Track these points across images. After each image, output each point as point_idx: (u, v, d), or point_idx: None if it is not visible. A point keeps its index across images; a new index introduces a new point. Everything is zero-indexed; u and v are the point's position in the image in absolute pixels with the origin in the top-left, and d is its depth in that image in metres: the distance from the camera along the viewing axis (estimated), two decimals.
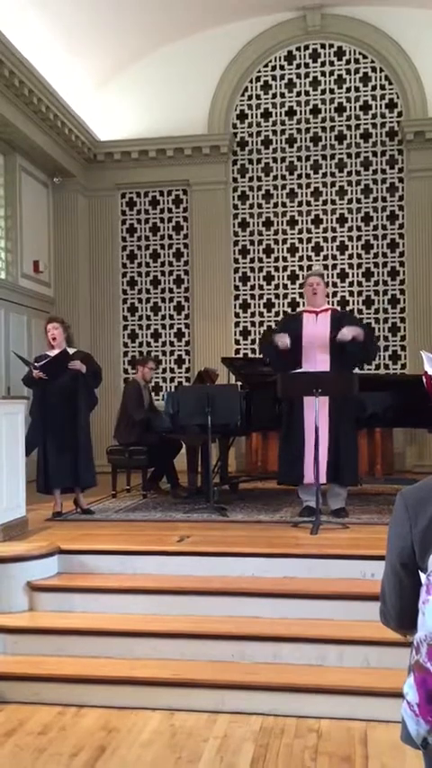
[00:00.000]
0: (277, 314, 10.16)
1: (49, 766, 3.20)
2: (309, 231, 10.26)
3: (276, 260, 10.34)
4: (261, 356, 7.12)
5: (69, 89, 9.46)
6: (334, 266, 10.17)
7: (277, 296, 10.32)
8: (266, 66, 10.37)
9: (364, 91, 10.16)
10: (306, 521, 5.59)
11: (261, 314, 10.30)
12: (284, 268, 10.32)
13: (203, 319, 10.28)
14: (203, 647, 4.05)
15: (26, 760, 3.25)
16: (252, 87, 10.40)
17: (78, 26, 8.93)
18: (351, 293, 10.13)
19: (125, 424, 7.48)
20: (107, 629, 4.24)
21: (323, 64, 10.25)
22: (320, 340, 5.87)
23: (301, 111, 10.27)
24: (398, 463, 9.46)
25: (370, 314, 10.00)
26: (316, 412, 5.41)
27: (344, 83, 10.20)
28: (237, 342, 10.41)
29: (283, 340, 5.83)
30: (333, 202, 10.21)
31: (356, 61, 10.17)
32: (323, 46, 10.23)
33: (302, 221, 10.26)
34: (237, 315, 10.44)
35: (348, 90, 10.18)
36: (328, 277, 9.84)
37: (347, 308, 9.82)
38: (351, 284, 10.14)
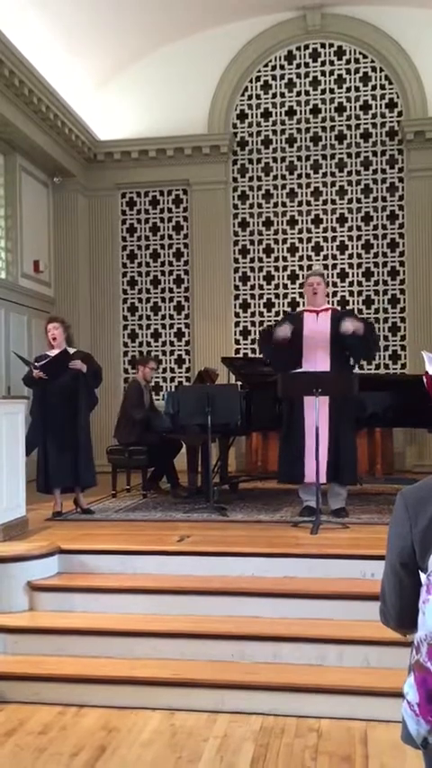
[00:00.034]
0: (277, 314, 10.16)
1: (49, 766, 3.20)
2: (309, 231, 10.26)
3: (276, 260, 10.34)
4: (261, 355, 7.13)
5: (69, 89, 9.46)
6: (334, 266, 10.17)
7: (277, 296, 10.32)
8: (266, 65, 10.37)
9: (365, 91, 10.16)
10: (306, 520, 5.60)
11: (261, 314, 10.30)
12: (284, 268, 10.32)
13: (203, 319, 10.28)
14: (203, 647, 4.06)
15: (26, 760, 3.25)
16: (252, 87, 10.40)
17: (78, 26, 8.93)
18: (351, 293, 10.13)
19: (125, 424, 7.48)
20: (107, 628, 4.24)
21: (323, 63, 10.25)
22: (321, 340, 5.87)
23: (301, 111, 10.27)
24: (398, 463, 9.46)
25: (370, 314, 9.99)
26: (316, 412, 5.41)
27: (344, 82, 10.20)
28: (237, 342, 10.41)
29: (284, 330, 5.84)
30: (333, 202, 10.21)
31: (356, 61, 10.17)
32: (323, 45, 10.23)
33: (302, 221, 10.26)
34: (237, 315, 10.44)
35: (348, 90, 10.18)
36: (328, 277, 9.83)
37: (347, 308, 9.81)
38: (351, 284, 10.14)
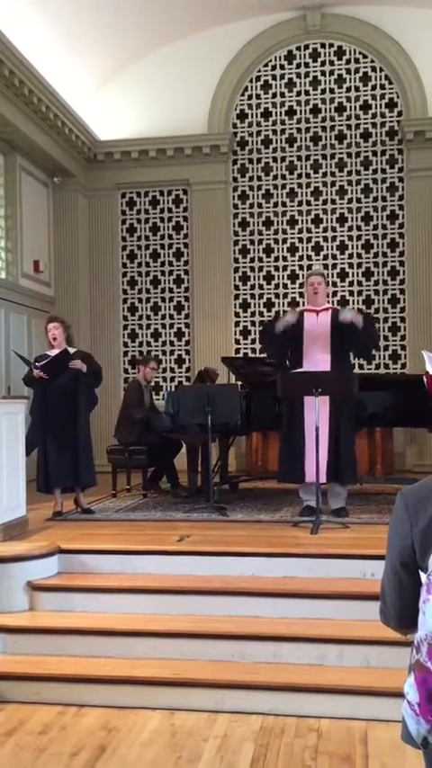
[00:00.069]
0: (277, 314, 10.15)
1: (49, 766, 3.20)
2: (309, 231, 10.26)
3: (276, 259, 10.34)
4: (261, 343, 7.15)
5: (69, 89, 9.46)
6: (334, 266, 10.17)
7: (277, 295, 10.32)
8: (266, 65, 10.37)
9: (364, 90, 10.16)
10: (306, 520, 5.60)
11: (261, 313, 10.30)
12: (284, 267, 10.32)
13: (203, 319, 10.28)
14: (203, 647, 4.06)
15: (26, 759, 3.25)
16: (252, 87, 10.40)
17: (78, 26, 8.93)
18: (351, 293, 10.13)
19: (125, 424, 7.48)
20: (107, 628, 4.24)
21: (323, 63, 10.25)
22: (321, 339, 5.87)
23: (301, 111, 10.27)
24: (398, 463, 9.45)
25: (370, 313, 9.98)
26: (316, 411, 5.41)
27: (344, 82, 10.20)
28: (237, 341, 10.41)
29: (290, 317, 5.91)
30: (333, 202, 10.21)
31: (356, 61, 10.17)
32: (323, 45, 10.23)
33: (302, 221, 10.26)
34: (237, 314, 10.44)
35: (348, 89, 10.18)
36: (328, 277, 9.83)
37: (348, 307, 9.81)
38: (351, 284, 10.14)
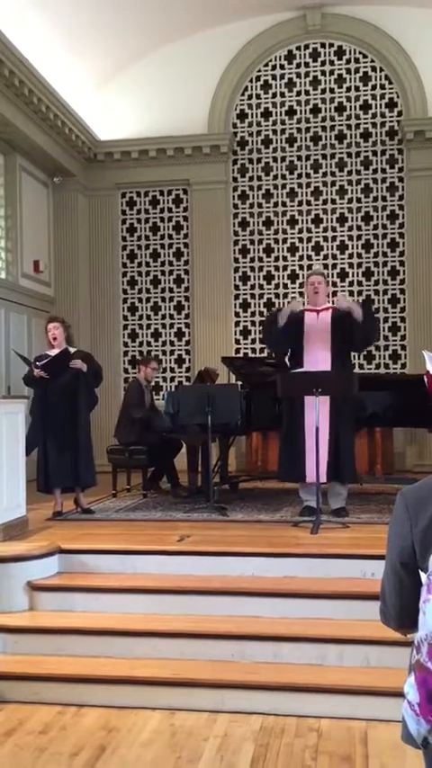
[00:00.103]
0: (282, 304, 10.14)
1: (49, 766, 3.20)
2: (309, 231, 10.26)
3: (276, 259, 10.34)
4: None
5: (69, 89, 9.46)
6: (334, 266, 10.17)
7: (277, 295, 10.31)
8: (266, 65, 10.36)
9: (365, 90, 10.16)
10: (306, 520, 5.60)
11: (261, 313, 10.29)
12: (284, 267, 10.32)
13: (204, 319, 10.28)
14: (203, 647, 4.05)
15: (26, 759, 3.25)
16: (252, 87, 10.40)
17: (78, 26, 8.93)
18: (351, 293, 10.12)
19: (125, 424, 7.48)
20: (107, 628, 4.24)
21: (323, 63, 10.25)
22: (321, 338, 5.88)
23: (301, 111, 10.27)
24: (398, 463, 9.45)
25: (368, 302, 9.94)
26: (316, 411, 5.41)
27: (344, 82, 10.20)
28: (237, 341, 10.41)
29: (295, 304, 5.98)
30: (333, 202, 10.21)
31: (356, 60, 10.16)
32: (323, 45, 10.23)
33: (302, 221, 10.26)
34: (237, 314, 10.44)
35: (348, 89, 10.18)
36: (328, 276, 9.82)
37: None
38: (351, 284, 10.14)
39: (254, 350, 10.32)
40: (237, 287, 10.43)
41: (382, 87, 10.12)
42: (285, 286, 10.29)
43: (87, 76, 10.04)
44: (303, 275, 9.79)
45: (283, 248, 10.32)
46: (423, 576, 1.56)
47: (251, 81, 10.39)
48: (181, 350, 10.54)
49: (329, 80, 10.23)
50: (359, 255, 10.15)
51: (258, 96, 10.39)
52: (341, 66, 10.21)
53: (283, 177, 10.32)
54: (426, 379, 1.81)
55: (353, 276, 10.14)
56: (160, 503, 6.94)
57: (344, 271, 10.16)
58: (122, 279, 10.68)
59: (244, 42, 10.26)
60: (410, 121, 9.81)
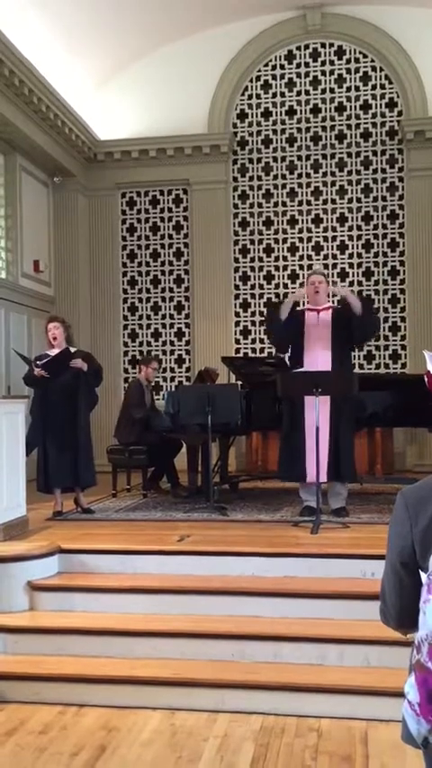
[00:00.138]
0: (285, 295, 10.13)
1: (49, 765, 3.20)
2: (309, 230, 10.26)
3: (276, 259, 10.34)
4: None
5: (69, 89, 9.46)
6: (334, 266, 10.16)
7: (277, 295, 10.30)
8: (266, 65, 10.36)
9: (365, 90, 10.16)
10: (306, 520, 5.59)
11: (261, 313, 10.29)
12: (285, 267, 10.32)
13: (204, 319, 10.28)
14: (204, 647, 4.05)
15: (27, 759, 3.25)
16: (252, 87, 10.40)
17: (78, 26, 8.93)
18: (351, 292, 10.10)
19: (125, 424, 7.48)
20: (107, 628, 4.24)
21: (323, 63, 10.25)
22: (322, 337, 5.89)
23: (301, 111, 10.27)
24: (398, 463, 9.45)
25: (369, 297, 9.94)
26: (316, 411, 5.41)
27: (344, 82, 10.19)
28: (237, 341, 10.41)
29: (298, 293, 6.02)
30: (333, 202, 10.21)
31: (357, 60, 10.16)
32: (323, 45, 10.23)
33: (303, 221, 10.26)
34: (237, 314, 10.44)
35: (348, 89, 10.18)
36: (328, 276, 9.82)
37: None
38: (351, 284, 10.13)
39: (254, 350, 10.32)
40: (237, 287, 10.43)
41: (382, 87, 10.12)
42: (285, 286, 10.28)
43: (87, 76, 10.04)
44: (303, 275, 9.78)
45: (283, 248, 10.32)
46: (423, 575, 1.56)
47: (251, 81, 10.39)
48: (181, 350, 10.54)
49: (329, 80, 10.23)
50: (359, 255, 10.15)
51: (258, 96, 10.39)
52: (341, 66, 10.21)
53: (284, 177, 10.32)
54: (426, 379, 1.81)
55: (353, 276, 10.14)
56: (160, 503, 6.94)
57: (344, 271, 10.16)
58: (122, 279, 10.68)
59: (244, 42, 10.26)
60: (410, 121, 9.81)
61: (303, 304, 6.59)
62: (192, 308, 10.41)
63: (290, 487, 6.89)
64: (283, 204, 10.32)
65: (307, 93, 10.26)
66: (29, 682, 3.93)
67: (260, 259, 10.36)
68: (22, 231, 9.26)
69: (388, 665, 3.72)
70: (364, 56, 10.14)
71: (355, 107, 10.15)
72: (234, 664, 3.95)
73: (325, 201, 10.23)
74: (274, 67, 10.36)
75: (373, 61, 10.11)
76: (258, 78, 10.38)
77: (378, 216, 10.10)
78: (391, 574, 1.68)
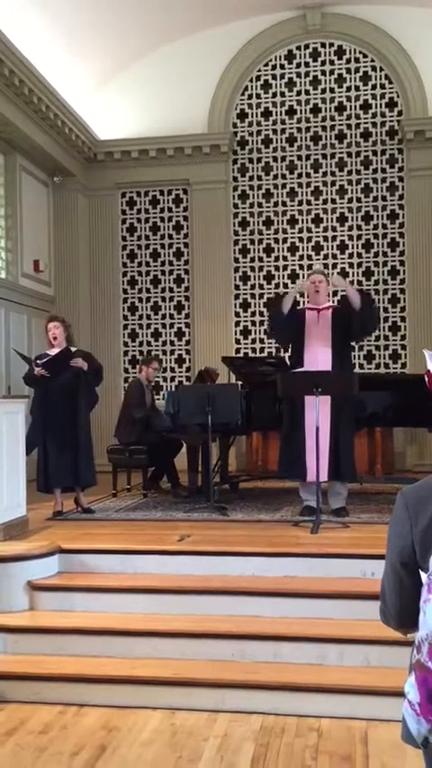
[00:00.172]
0: (285, 286, 10.14)
1: (49, 765, 3.20)
2: (309, 230, 10.26)
3: (277, 259, 10.34)
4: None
5: (69, 89, 9.46)
6: (334, 265, 10.16)
7: (277, 295, 10.31)
8: (266, 65, 10.36)
9: (365, 90, 10.16)
10: (306, 520, 5.60)
11: (261, 313, 10.29)
12: (285, 267, 10.32)
13: (204, 319, 10.28)
14: (204, 647, 4.06)
15: (27, 759, 3.25)
16: (252, 86, 10.40)
17: (78, 26, 8.93)
18: (350, 284, 10.10)
19: (126, 424, 7.48)
20: (108, 628, 4.24)
21: (323, 63, 10.25)
22: (322, 336, 5.89)
23: (301, 111, 10.27)
24: (398, 462, 9.45)
25: (369, 292, 9.94)
26: (316, 411, 5.41)
27: (344, 82, 10.19)
28: (237, 341, 10.41)
29: (300, 285, 6.01)
30: (333, 201, 10.21)
31: (357, 60, 10.16)
32: (323, 45, 10.22)
33: (303, 220, 10.26)
34: (237, 314, 10.44)
35: (348, 89, 10.18)
36: (328, 276, 9.82)
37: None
38: (351, 283, 10.12)
39: (254, 350, 10.32)
40: (237, 287, 10.43)
41: (382, 87, 10.12)
42: (285, 286, 10.28)
43: (87, 76, 10.04)
44: (303, 275, 9.79)
45: (283, 248, 10.32)
46: (423, 575, 1.56)
47: (251, 81, 10.39)
48: (181, 350, 10.54)
49: (329, 80, 10.23)
50: (359, 255, 10.15)
51: (258, 96, 10.39)
52: (341, 66, 10.21)
53: (284, 177, 10.32)
54: (426, 379, 1.81)
55: (353, 276, 10.14)
56: (160, 502, 6.94)
57: (344, 270, 10.15)
58: (122, 278, 10.68)
59: (244, 42, 10.26)
60: (410, 121, 9.81)
61: (304, 303, 6.59)
62: (192, 308, 10.41)
63: (290, 487, 6.90)
64: (283, 204, 10.32)
65: (307, 92, 10.26)
66: (29, 681, 3.94)
67: (260, 259, 10.36)
68: (22, 231, 9.26)
69: (388, 665, 3.72)
70: (364, 56, 10.14)
71: (355, 107, 10.15)
72: (234, 663, 3.95)
73: (325, 201, 10.23)
74: (274, 67, 10.36)
75: (373, 61, 10.11)
76: (258, 78, 10.38)
77: (378, 216, 10.10)
78: (391, 574, 1.68)
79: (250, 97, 10.41)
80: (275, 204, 10.34)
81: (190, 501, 6.78)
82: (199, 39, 10.21)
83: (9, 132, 8.69)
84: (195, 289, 10.34)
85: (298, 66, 10.29)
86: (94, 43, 9.52)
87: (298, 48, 10.28)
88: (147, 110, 10.41)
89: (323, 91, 10.24)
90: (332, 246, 10.20)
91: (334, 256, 10.18)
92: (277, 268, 10.33)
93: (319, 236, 10.24)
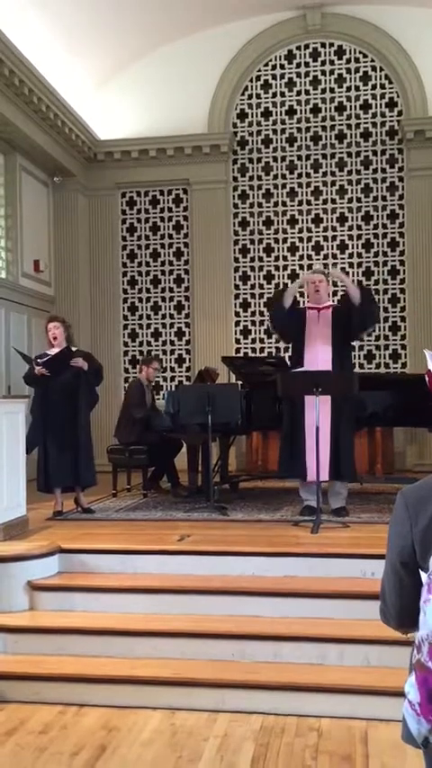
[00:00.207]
0: (285, 285, 10.13)
1: (49, 765, 3.20)
2: (309, 230, 10.25)
3: (277, 259, 10.34)
4: (269, 312, 7.17)
5: (69, 89, 9.46)
6: (334, 265, 10.15)
7: (278, 290, 10.31)
8: (266, 65, 10.36)
9: (365, 90, 10.16)
10: (306, 520, 5.60)
11: (261, 313, 10.29)
12: (285, 267, 10.32)
13: (204, 318, 10.28)
14: (204, 647, 4.06)
15: (27, 759, 3.25)
16: (252, 86, 10.40)
17: (78, 26, 8.93)
18: (350, 279, 10.09)
19: (126, 424, 7.48)
20: (108, 628, 4.24)
21: (323, 63, 10.24)
22: (322, 336, 5.89)
23: (301, 111, 10.27)
24: (398, 462, 9.45)
25: (369, 287, 9.94)
26: (317, 411, 5.41)
27: (344, 82, 10.19)
28: (237, 341, 10.41)
29: (301, 279, 5.94)
30: (333, 201, 10.21)
31: (356, 60, 10.16)
32: (323, 45, 10.22)
33: (303, 220, 10.26)
34: (237, 314, 10.44)
35: (348, 89, 10.18)
36: (328, 276, 9.82)
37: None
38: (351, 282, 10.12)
39: (254, 349, 10.32)
40: (237, 287, 10.43)
41: (382, 87, 10.12)
42: (285, 286, 10.27)
43: (87, 76, 10.04)
44: (304, 275, 9.78)
45: (283, 248, 10.32)
46: (423, 575, 1.56)
47: (251, 81, 10.38)
48: (181, 349, 10.54)
49: (329, 80, 10.23)
50: (359, 255, 10.15)
51: (258, 96, 10.39)
52: (341, 66, 10.21)
53: (284, 177, 10.32)
54: (427, 378, 1.81)
55: (353, 276, 10.11)
56: (160, 502, 6.94)
57: (344, 270, 10.13)
58: (122, 278, 10.68)
59: (244, 42, 10.26)
60: (410, 121, 9.81)
61: (304, 303, 6.59)
62: (192, 308, 10.41)
63: (290, 487, 6.90)
64: (283, 204, 10.32)
65: (307, 92, 10.26)
66: (29, 681, 3.93)
67: (260, 259, 10.36)
68: (22, 231, 9.26)
69: (388, 665, 3.72)
70: (364, 56, 10.14)
71: (355, 107, 10.15)
72: (234, 663, 3.95)
73: (325, 201, 10.23)
74: (274, 67, 10.36)
75: (373, 61, 10.11)
76: (258, 78, 10.38)
77: (378, 216, 10.10)
78: (390, 573, 1.68)
79: (250, 97, 10.41)
80: (275, 204, 10.34)
81: (190, 501, 6.78)
82: (199, 39, 10.21)
83: (9, 132, 8.69)
84: (195, 289, 10.34)
85: (298, 66, 10.29)
86: (94, 43, 9.52)
87: (298, 48, 10.28)
88: (147, 110, 10.41)
89: (323, 91, 10.24)
90: (332, 246, 10.20)
91: (334, 256, 10.18)
92: (277, 268, 10.33)
93: (319, 236, 10.24)
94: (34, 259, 9.58)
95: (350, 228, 10.16)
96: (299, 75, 10.28)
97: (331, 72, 10.23)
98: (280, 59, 10.34)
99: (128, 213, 10.68)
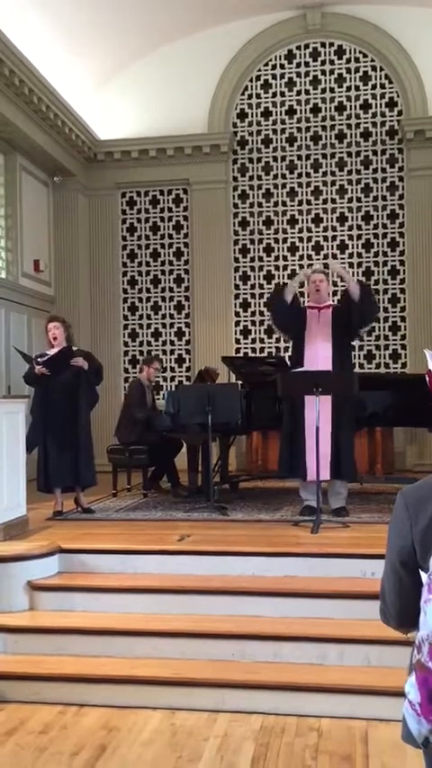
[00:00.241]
0: (285, 285, 10.12)
1: (49, 765, 3.20)
2: (309, 230, 10.25)
3: (277, 259, 10.34)
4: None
5: (69, 89, 9.46)
6: (334, 256, 10.15)
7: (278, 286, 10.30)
8: (267, 65, 10.36)
9: (365, 90, 10.16)
10: (306, 519, 5.60)
11: (261, 313, 10.29)
12: (285, 267, 10.31)
13: (204, 318, 10.28)
14: (204, 647, 4.06)
15: (27, 759, 3.25)
16: (252, 86, 10.40)
17: (78, 26, 8.93)
18: (350, 275, 10.09)
19: (126, 424, 7.48)
20: (108, 628, 4.24)
21: (323, 63, 10.24)
22: (323, 335, 5.90)
23: (301, 110, 10.27)
24: (398, 462, 9.45)
25: (369, 284, 9.92)
26: (317, 411, 5.41)
27: (344, 81, 10.19)
28: (237, 341, 10.41)
29: (301, 275, 6.04)
30: (333, 201, 10.21)
31: (357, 60, 10.16)
32: (323, 45, 10.22)
33: (303, 220, 10.26)
34: (237, 314, 10.44)
35: (348, 89, 10.18)
36: (328, 276, 9.81)
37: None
38: None
39: (254, 349, 10.32)
40: (237, 286, 10.43)
41: (382, 87, 10.12)
42: (285, 284, 10.27)
43: (87, 76, 10.04)
44: (304, 270, 9.77)
45: (283, 248, 10.32)
46: (423, 575, 1.56)
47: (251, 80, 10.38)
48: (181, 349, 10.54)
49: (329, 79, 10.23)
50: (359, 255, 10.15)
51: (258, 96, 10.39)
52: (341, 66, 10.21)
53: (283, 177, 10.32)
54: (427, 378, 1.81)
55: (353, 276, 10.13)
56: (160, 502, 6.94)
57: (344, 269, 10.14)
58: (123, 278, 10.68)
59: (244, 42, 10.26)
60: (410, 121, 9.81)
61: (304, 303, 6.59)
62: (192, 308, 10.41)
63: (290, 487, 6.90)
64: (283, 204, 10.32)
65: (307, 92, 10.26)
66: (29, 681, 3.93)
67: (260, 259, 10.36)
68: (22, 231, 9.26)
69: (388, 665, 3.72)
70: (364, 55, 10.13)
71: (355, 107, 10.15)
72: (234, 663, 3.95)
73: (325, 201, 10.23)
74: (274, 67, 10.36)
75: (373, 61, 10.11)
76: (258, 78, 10.38)
77: (378, 215, 10.10)
78: (390, 573, 1.68)
79: (250, 97, 10.40)
80: (275, 204, 10.34)
81: (190, 501, 6.78)
82: (199, 39, 10.21)
83: (9, 132, 8.69)
84: (195, 289, 10.34)
85: (298, 65, 10.29)
86: (94, 43, 9.52)
87: (298, 47, 10.28)
88: (147, 110, 10.41)
89: (323, 91, 10.23)
90: (332, 246, 10.20)
91: (334, 256, 10.17)
92: (277, 268, 10.33)
93: (319, 236, 10.23)
94: (34, 259, 9.58)
95: (350, 228, 10.16)
96: (299, 74, 10.28)
97: (331, 72, 10.23)
98: (280, 59, 10.34)
99: (128, 213, 10.68)
